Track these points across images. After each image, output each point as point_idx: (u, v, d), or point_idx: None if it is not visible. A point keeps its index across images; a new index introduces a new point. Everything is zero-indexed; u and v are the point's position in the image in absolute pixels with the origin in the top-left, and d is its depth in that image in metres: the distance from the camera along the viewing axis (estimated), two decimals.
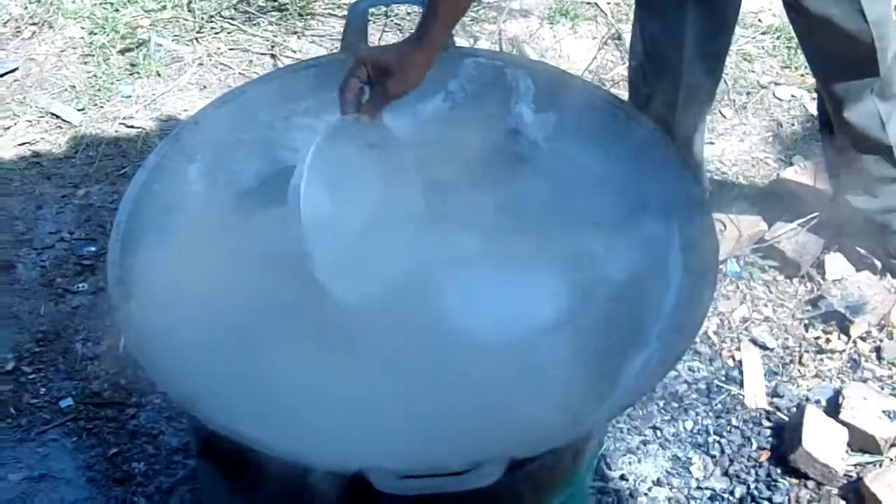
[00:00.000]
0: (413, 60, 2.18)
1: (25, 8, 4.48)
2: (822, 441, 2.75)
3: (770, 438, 2.86)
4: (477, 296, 2.22)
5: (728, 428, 2.88)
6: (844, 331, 3.12)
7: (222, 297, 2.14)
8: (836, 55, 2.87)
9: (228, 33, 4.36)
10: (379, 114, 2.23)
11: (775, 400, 2.96)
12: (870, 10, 2.73)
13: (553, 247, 2.27)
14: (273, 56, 4.24)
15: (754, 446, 2.85)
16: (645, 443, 2.85)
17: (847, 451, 2.79)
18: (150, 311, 1.96)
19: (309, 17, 4.45)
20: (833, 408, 2.88)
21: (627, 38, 3.94)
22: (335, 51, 2.58)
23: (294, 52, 4.25)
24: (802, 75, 4.05)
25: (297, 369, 2.04)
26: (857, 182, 3.17)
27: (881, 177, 3.12)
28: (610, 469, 2.77)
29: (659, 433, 2.87)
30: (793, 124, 3.90)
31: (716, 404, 2.94)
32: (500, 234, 2.29)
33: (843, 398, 2.87)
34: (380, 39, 4.13)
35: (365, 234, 2.24)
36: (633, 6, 3.03)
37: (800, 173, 3.56)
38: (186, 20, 4.42)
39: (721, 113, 3.93)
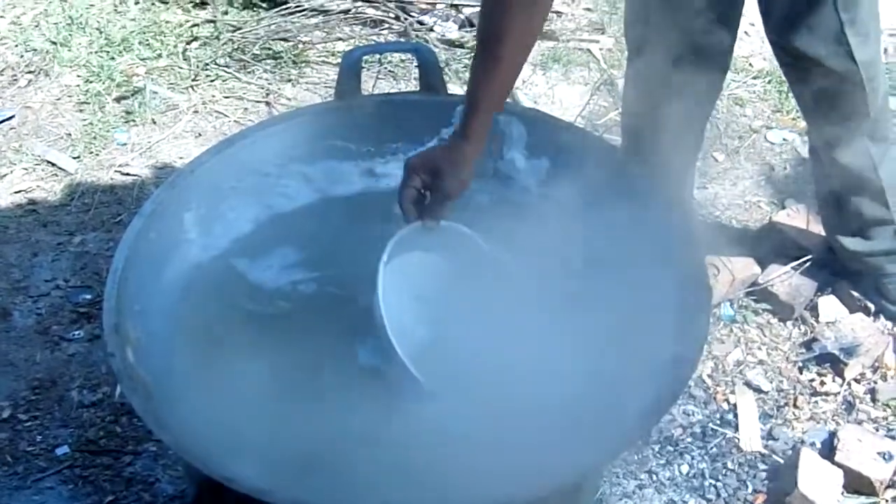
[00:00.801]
0: (462, 156, 2.19)
1: (22, 56, 4.50)
2: (818, 483, 2.75)
3: (766, 481, 2.86)
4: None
5: (723, 471, 2.88)
6: (839, 373, 3.12)
7: (218, 342, 2.15)
8: (826, 97, 2.88)
9: (223, 81, 4.39)
10: (443, 215, 2.23)
11: (770, 443, 2.95)
12: (858, 52, 2.74)
13: (548, 292, 2.27)
14: (268, 104, 4.26)
15: (750, 489, 2.84)
16: (641, 487, 2.84)
17: (843, 494, 2.78)
18: (145, 358, 1.97)
19: (303, 64, 4.48)
20: (828, 450, 2.87)
21: (620, 83, 3.98)
22: (329, 98, 2.60)
23: (289, 99, 4.28)
24: (794, 119, 4.07)
25: (295, 414, 2.04)
26: (850, 224, 3.18)
27: (873, 218, 3.12)
28: None
29: (654, 477, 2.86)
30: (785, 167, 3.92)
31: (711, 448, 2.94)
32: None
33: (839, 440, 2.86)
34: (374, 87, 4.15)
35: (451, 328, 2.23)
36: (626, 55, 3.05)
37: (792, 216, 3.57)
38: (181, 68, 4.44)
39: (713, 157, 3.95)
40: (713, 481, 2.85)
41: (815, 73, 2.80)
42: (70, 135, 4.09)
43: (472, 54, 4.41)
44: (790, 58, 2.83)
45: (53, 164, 3.94)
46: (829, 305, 3.29)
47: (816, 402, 3.07)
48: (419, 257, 2.23)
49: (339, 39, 4.63)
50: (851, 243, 3.20)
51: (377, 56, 4.31)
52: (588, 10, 4.81)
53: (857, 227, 3.17)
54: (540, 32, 2.29)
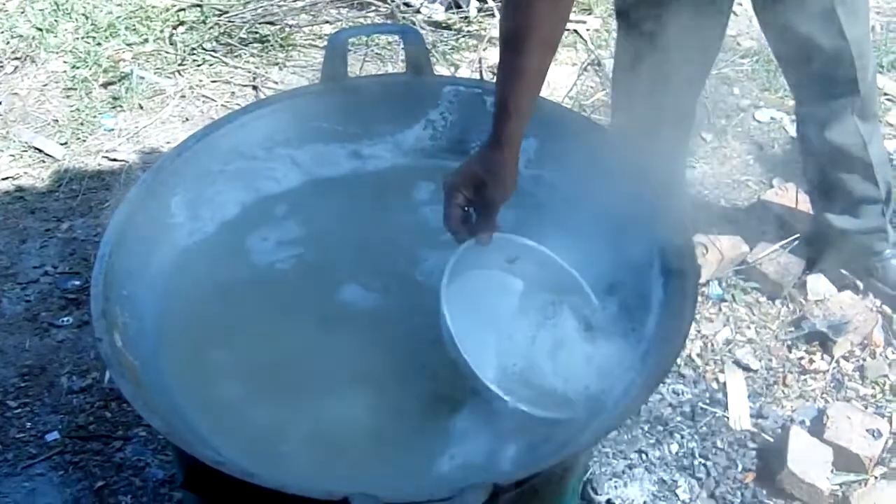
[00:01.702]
0: (501, 162, 2.09)
1: (8, 43, 4.50)
2: (808, 461, 2.76)
3: (755, 460, 2.87)
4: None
5: (713, 450, 2.89)
6: (827, 351, 3.13)
7: (206, 327, 2.15)
8: (817, 75, 2.87)
9: (210, 65, 4.39)
10: (494, 228, 2.14)
11: (760, 421, 2.96)
12: (849, 29, 2.74)
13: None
14: (255, 87, 4.26)
15: (740, 468, 2.85)
16: (631, 466, 2.85)
17: (832, 471, 2.80)
18: (133, 343, 1.96)
19: (290, 48, 4.48)
20: (817, 428, 2.89)
21: (607, 64, 3.98)
22: (316, 81, 2.59)
23: (276, 83, 4.28)
24: (781, 98, 4.07)
25: (281, 398, 2.04)
26: (838, 203, 3.18)
27: (862, 196, 3.13)
28: (596, 493, 2.77)
29: (644, 456, 2.87)
30: (773, 146, 3.93)
31: (701, 427, 2.94)
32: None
33: (828, 418, 2.88)
34: (361, 69, 4.15)
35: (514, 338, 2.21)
36: (616, 32, 3.02)
37: (780, 195, 3.58)
38: (168, 53, 4.44)
39: (702, 137, 3.95)
40: (703, 460, 2.86)
41: (804, 50, 2.79)
42: (57, 121, 4.09)
43: (459, 37, 4.46)
44: (780, 35, 2.82)
45: (41, 151, 3.94)
46: (818, 283, 3.30)
47: (805, 380, 3.08)
48: (479, 275, 2.19)
49: (326, 22, 4.63)
50: (840, 221, 3.20)
51: (364, 38, 4.31)
52: None
53: (845, 206, 3.17)
54: (567, 20, 2.14)
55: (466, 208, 2.13)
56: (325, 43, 2.66)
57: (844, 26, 2.73)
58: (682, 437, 2.92)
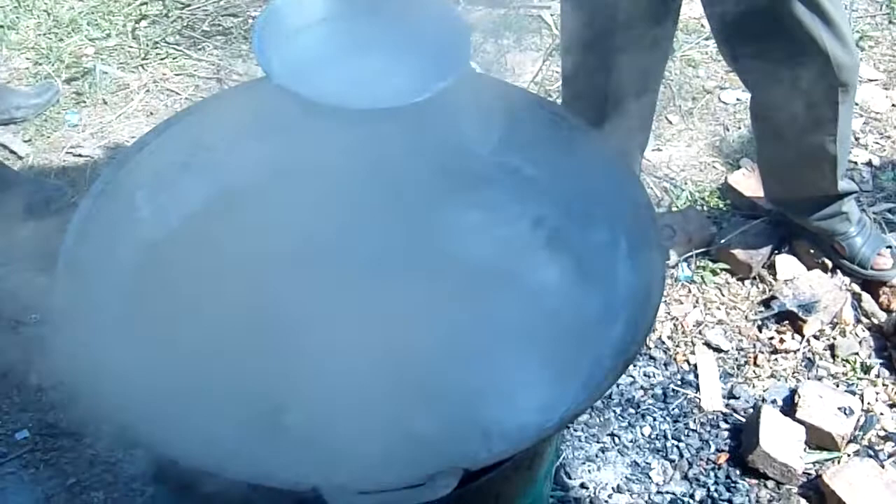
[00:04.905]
0: None
1: None
2: (780, 440, 2.77)
3: (728, 440, 2.88)
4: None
5: (686, 432, 2.90)
6: (798, 330, 3.14)
7: (172, 322, 2.14)
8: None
9: (174, 59, 4.36)
10: None
11: (732, 402, 2.97)
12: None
13: (505, 256, 2.26)
14: (219, 80, 4.24)
15: (712, 449, 2.86)
16: (604, 450, 2.85)
17: (805, 450, 2.81)
18: (98, 338, 1.95)
19: None
20: (789, 407, 2.90)
21: None
22: None
23: (240, 75, 4.26)
24: None
25: (245, 388, 2.04)
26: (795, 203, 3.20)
27: (821, 197, 3.13)
28: (569, 478, 2.77)
29: (617, 440, 2.88)
30: (739, 127, 3.93)
31: (673, 409, 2.95)
32: (452, 248, 2.28)
33: (799, 397, 2.88)
34: None
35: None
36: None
37: (747, 176, 3.58)
38: (131, 47, 4.41)
39: (667, 119, 3.95)
40: (676, 442, 2.87)
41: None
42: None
43: None
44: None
45: (5, 147, 3.91)
46: (787, 263, 3.31)
47: (776, 359, 3.09)
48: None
49: None
50: (797, 217, 3.22)
51: None
52: None
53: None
54: None
55: None
56: None
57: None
58: (655, 419, 2.93)
